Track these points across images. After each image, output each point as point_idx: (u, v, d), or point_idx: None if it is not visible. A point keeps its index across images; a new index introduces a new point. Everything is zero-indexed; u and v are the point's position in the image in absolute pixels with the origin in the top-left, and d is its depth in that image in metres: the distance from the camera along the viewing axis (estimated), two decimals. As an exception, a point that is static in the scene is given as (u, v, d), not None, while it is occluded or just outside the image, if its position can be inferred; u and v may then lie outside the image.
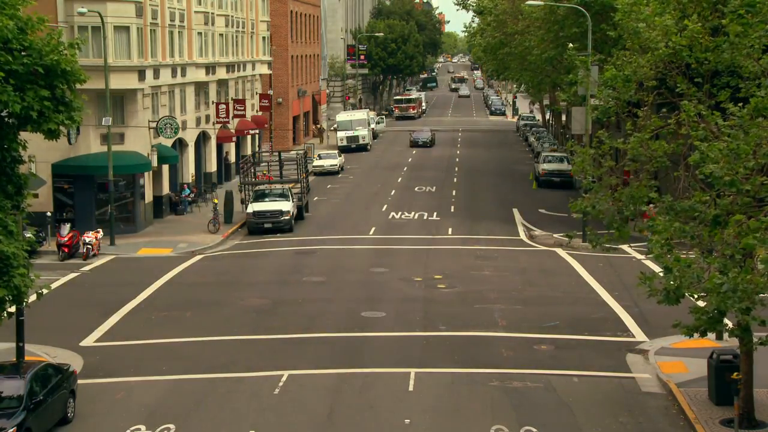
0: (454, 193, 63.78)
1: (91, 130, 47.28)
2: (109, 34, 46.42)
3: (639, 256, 41.97)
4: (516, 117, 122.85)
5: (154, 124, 51.30)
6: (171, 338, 31.57)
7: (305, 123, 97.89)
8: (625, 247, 43.57)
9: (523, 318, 33.56)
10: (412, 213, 56.21)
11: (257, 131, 74.98)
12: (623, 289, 36.82)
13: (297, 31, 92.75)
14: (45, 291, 24.46)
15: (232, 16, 67.68)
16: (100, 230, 45.68)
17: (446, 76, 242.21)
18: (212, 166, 64.73)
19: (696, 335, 21.95)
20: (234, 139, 67.87)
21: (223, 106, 62.89)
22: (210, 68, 62.10)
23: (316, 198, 61.34)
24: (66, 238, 43.33)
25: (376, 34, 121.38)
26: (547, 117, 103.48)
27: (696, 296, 21.91)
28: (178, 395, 26.13)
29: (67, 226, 44.11)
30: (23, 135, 23.53)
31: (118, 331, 32.50)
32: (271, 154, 65.01)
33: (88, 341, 31.26)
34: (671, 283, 21.48)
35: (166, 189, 54.87)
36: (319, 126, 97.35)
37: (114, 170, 46.26)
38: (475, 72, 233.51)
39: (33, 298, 24.73)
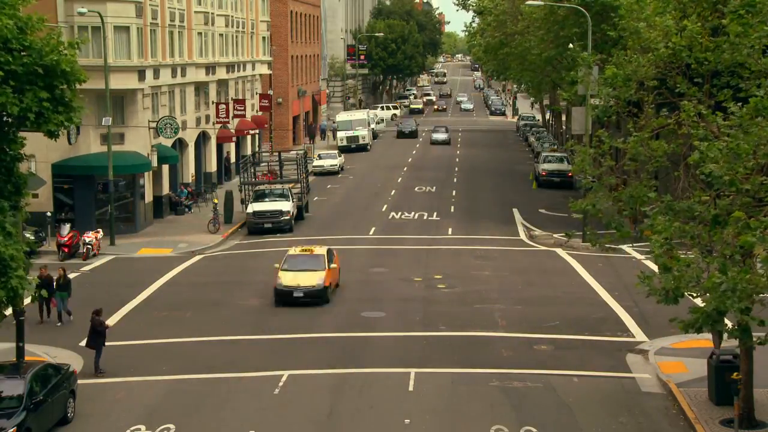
0: (454, 193, 63.76)
1: (91, 130, 47.27)
2: (109, 34, 46.41)
3: (639, 256, 41.95)
4: (516, 117, 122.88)
5: (154, 124, 51.30)
6: (171, 338, 31.57)
7: (305, 123, 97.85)
8: (625, 247, 43.60)
9: (523, 318, 33.56)
10: (412, 213, 56.20)
11: (257, 131, 74.97)
12: (623, 289, 36.80)
13: (297, 31, 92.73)
14: (43, 293, 24.45)
15: (232, 16, 67.67)
16: (100, 230, 45.69)
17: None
18: (212, 166, 64.75)
19: (692, 331, 21.92)
20: (234, 139, 67.86)
21: (223, 106, 62.86)
22: (210, 68, 62.09)
23: (316, 198, 61.33)
24: (66, 238, 43.33)
25: (376, 34, 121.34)
26: (547, 117, 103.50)
27: (695, 295, 21.91)
28: (178, 395, 26.13)
29: (67, 226, 44.10)
30: (23, 134, 23.52)
31: (118, 331, 32.46)
32: (271, 154, 64.93)
33: (88, 341, 31.23)
34: (670, 282, 21.47)
35: (166, 189, 54.86)
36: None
37: (114, 170, 46.25)
38: (476, 72, 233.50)
39: (28, 300, 24.70)
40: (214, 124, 63.33)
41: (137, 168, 49.68)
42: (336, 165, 75.28)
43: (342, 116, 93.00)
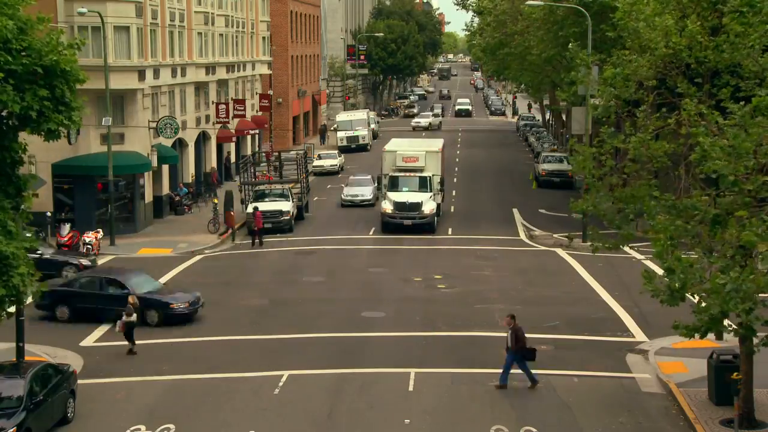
0: (454, 193, 63.73)
1: (91, 130, 47.24)
2: (109, 34, 46.40)
3: (639, 257, 41.92)
4: (516, 117, 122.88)
5: (154, 124, 51.28)
6: (171, 338, 31.57)
7: (305, 123, 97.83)
8: (625, 247, 43.51)
9: (523, 318, 33.39)
10: (412, 213, 56.16)
11: (257, 131, 74.97)
12: (623, 289, 36.80)
13: (297, 31, 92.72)
14: (44, 289, 24.47)
15: (232, 16, 67.66)
16: (100, 230, 45.67)
17: None
18: (212, 166, 64.66)
19: (696, 336, 21.90)
20: (234, 139, 67.86)
21: (223, 106, 62.85)
22: (210, 68, 62.08)
23: (316, 198, 61.32)
24: (66, 238, 43.31)
25: (376, 35, 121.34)
26: (547, 117, 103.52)
27: (698, 296, 21.87)
28: (178, 395, 26.13)
29: (67, 226, 44.11)
30: (23, 136, 23.51)
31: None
32: (269, 155, 64.90)
33: (88, 341, 31.26)
34: (675, 284, 21.41)
35: (166, 189, 54.85)
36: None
37: (114, 170, 46.24)
38: (476, 72, 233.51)
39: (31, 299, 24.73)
40: (214, 124, 63.33)
41: (137, 168, 49.66)
42: (336, 165, 75.29)
43: (342, 116, 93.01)
